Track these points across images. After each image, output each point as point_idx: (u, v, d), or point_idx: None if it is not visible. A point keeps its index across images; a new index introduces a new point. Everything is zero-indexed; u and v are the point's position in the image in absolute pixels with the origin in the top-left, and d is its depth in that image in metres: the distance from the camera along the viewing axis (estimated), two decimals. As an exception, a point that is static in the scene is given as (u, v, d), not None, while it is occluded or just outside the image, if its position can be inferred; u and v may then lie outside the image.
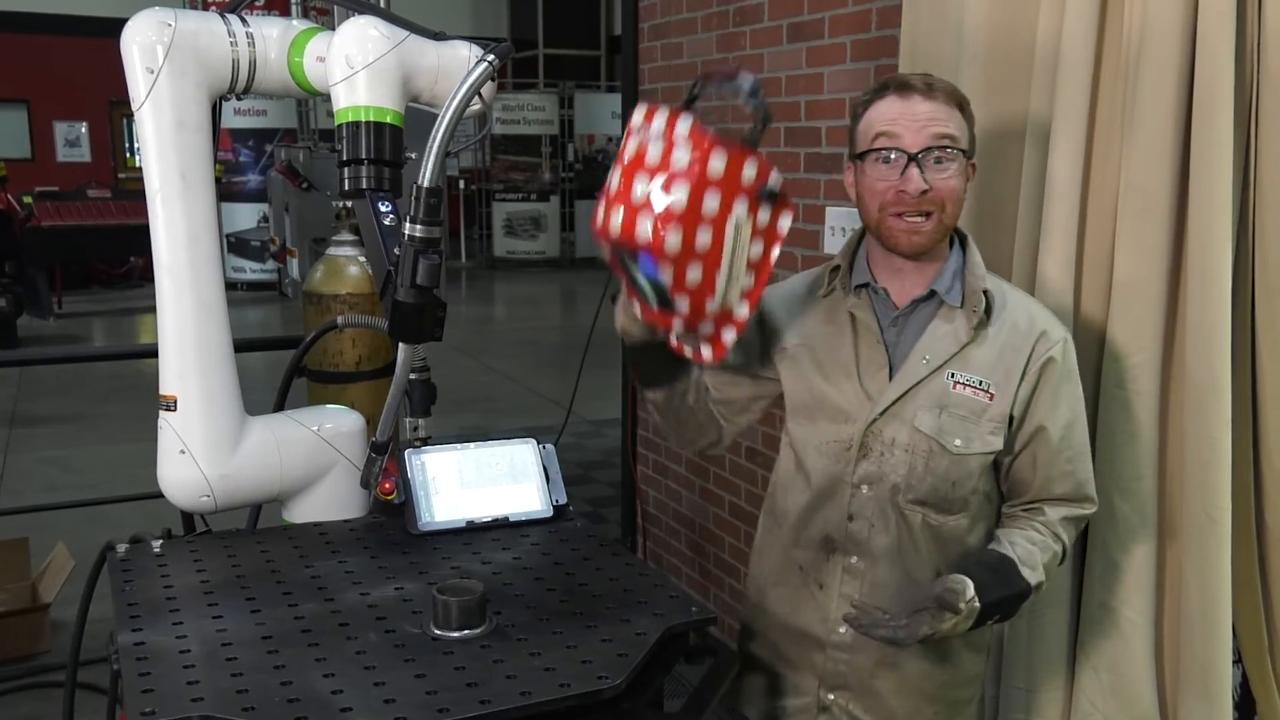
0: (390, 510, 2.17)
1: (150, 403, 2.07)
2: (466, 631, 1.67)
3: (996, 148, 2.20)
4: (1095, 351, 2.10)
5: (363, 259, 2.94)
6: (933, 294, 1.77)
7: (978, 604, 1.63)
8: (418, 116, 2.00)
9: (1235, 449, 1.97)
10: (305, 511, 2.21)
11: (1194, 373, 1.95)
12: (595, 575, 1.93)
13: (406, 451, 2.17)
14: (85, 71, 14.25)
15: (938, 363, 1.74)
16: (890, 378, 1.77)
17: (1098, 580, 2.11)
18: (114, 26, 1.97)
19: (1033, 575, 1.70)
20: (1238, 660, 2.13)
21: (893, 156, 1.68)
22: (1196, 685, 2.03)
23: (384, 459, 2.11)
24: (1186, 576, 2.02)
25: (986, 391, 1.73)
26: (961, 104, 1.71)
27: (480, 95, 1.86)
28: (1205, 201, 1.90)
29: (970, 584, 1.64)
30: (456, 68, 1.99)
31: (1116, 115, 2.02)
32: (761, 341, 1.92)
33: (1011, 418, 1.75)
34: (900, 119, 1.68)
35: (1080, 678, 2.17)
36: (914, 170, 1.67)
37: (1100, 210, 2.07)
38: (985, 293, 1.75)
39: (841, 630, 1.82)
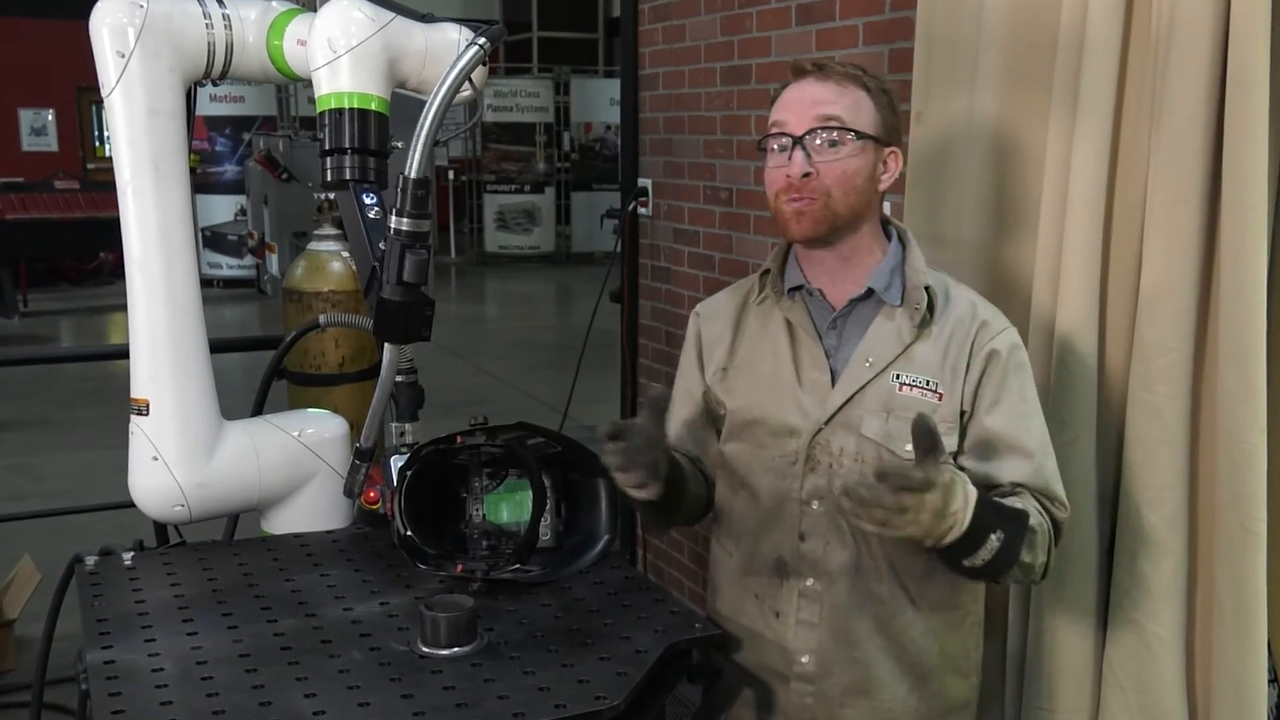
0: (375, 520, 2.17)
1: (121, 406, 2.07)
2: (456, 649, 1.67)
3: (1017, 137, 2.20)
4: (1123, 352, 2.10)
5: (346, 254, 2.94)
6: (870, 292, 1.77)
7: (974, 489, 1.54)
8: (404, 103, 2.01)
9: (1271, 455, 1.96)
10: (285, 522, 2.21)
11: (1226, 375, 1.95)
12: (592, 589, 1.93)
13: (392, 458, 2.17)
14: (52, 56, 14.24)
15: (881, 365, 1.74)
16: (833, 384, 1.76)
17: (1125, 594, 2.11)
18: (82, 8, 1.97)
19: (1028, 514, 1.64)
20: (1274, 679, 2.13)
21: (784, 143, 1.72)
22: (1229, 705, 2.03)
23: (368, 466, 2.11)
24: (1219, 590, 2.02)
25: (935, 391, 1.73)
26: (869, 86, 1.73)
27: (470, 81, 1.86)
28: (1239, 194, 1.89)
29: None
30: (445, 51, 2.00)
31: (1145, 102, 2.02)
32: (708, 403, 1.91)
33: (963, 414, 1.75)
34: (789, 104, 1.73)
35: (1106, 697, 2.17)
36: (798, 153, 1.70)
37: (1127, 203, 2.07)
38: (926, 289, 1.75)
39: (804, 660, 1.79)
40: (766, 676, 1.84)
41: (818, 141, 1.69)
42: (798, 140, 1.69)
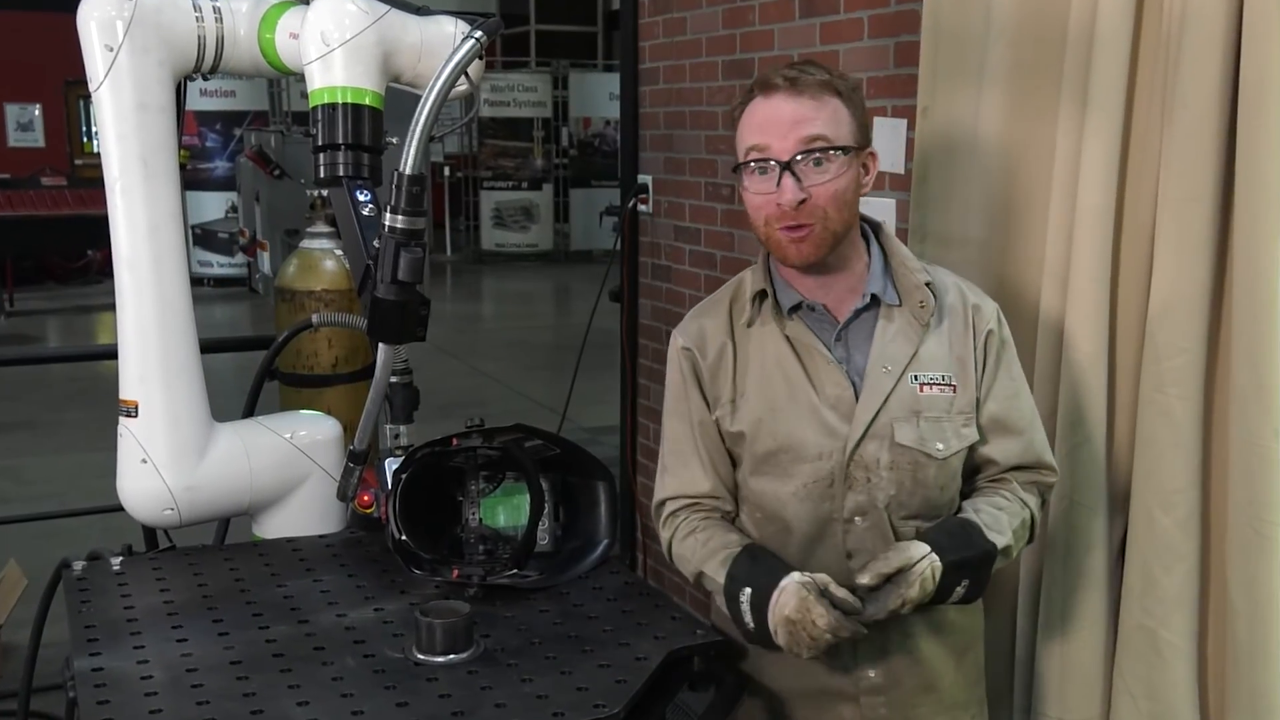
0: (369, 525, 2.17)
1: (109, 408, 2.07)
2: (452, 656, 1.67)
3: (1026, 133, 2.20)
4: (1134, 353, 2.10)
5: (339, 252, 2.94)
6: (873, 299, 1.77)
7: (938, 561, 1.64)
8: (399, 98, 2.01)
9: (1285, 458, 1.97)
10: (277, 526, 2.21)
11: (1240, 376, 1.95)
12: (591, 595, 1.93)
13: (387, 461, 2.17)
14: (39, 49, 14.23)
15: (899, 369, 1.75)
16: (856, 398, 1.75)
17: (1136, 600, 2.11)
18: (70, 0, 1.97)
19: (999, 539, 1.72)
20: (1288, 687, 2.12)
21: (768, 167, 1.68)
22: (1243, 713, 2.03)
23: (362, 469, 2.11)
24: (1232, 595, 2.02)
25: (949, 384, 1.76)
26: (841, 91, 1.70)
27: (467, 75, 1.86)
28: (1252, 191, 1.89)
29: (919, 545, 1.66)
30: (441, 45, 2.00)
31: (1156, 98, 2.02)
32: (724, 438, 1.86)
33: (977, 402, 1.78)
34: (766, 125, 1.69)
35: (1117, 705, 2.17)
36: (788, 180, 1.66)
37: (1138, 201, 2.07)
38: (928, 285, 1.77)
39: (872, 674, 1.79)
40: (824, 698, 1.82)
41: (807, 164, 1.66)
42: (785, 166, 1.66)
